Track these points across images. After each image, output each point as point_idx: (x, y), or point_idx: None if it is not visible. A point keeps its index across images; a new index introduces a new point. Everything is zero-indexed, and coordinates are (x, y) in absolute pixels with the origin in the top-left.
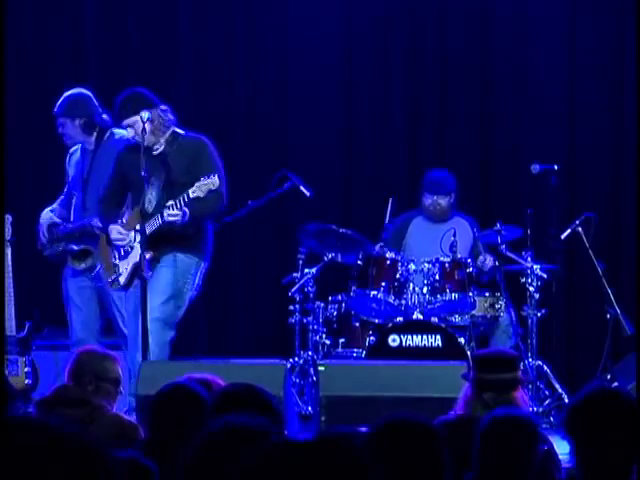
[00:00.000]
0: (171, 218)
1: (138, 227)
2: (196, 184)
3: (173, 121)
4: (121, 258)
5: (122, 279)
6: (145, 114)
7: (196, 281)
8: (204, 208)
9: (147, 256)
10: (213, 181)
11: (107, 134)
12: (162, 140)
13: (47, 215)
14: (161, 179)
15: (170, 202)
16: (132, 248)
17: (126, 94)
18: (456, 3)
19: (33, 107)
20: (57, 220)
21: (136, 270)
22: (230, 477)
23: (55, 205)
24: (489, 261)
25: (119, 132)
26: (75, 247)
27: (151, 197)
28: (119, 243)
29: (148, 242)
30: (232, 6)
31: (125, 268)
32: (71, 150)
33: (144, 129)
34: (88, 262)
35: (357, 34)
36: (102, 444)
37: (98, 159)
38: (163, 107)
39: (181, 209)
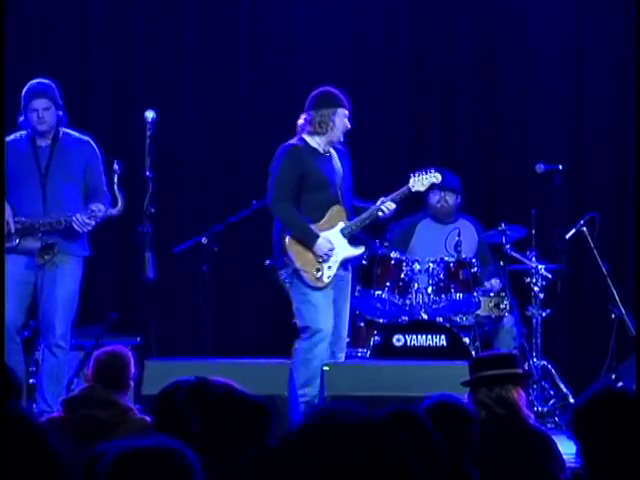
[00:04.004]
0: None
1: (342, 224)
2: (415, 179)
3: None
4: (324, 258)
5: (328, 274)
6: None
7: None
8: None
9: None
10: (436, 175)
11: (61, 132)
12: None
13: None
14: (340, 178)
15: (382, 198)
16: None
17: (321, 90)
18: (463, 2)
19: None
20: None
21: (343, 265)
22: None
23: None
24: (496, 284)
25: (70, 132)
26: (49, 241)
27: (339, 196)
28: (324, 257)
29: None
30: (238, 8)
31: (334, 262)
32: (9, 138)
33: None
34: (49, 256)
35: (363, 34)
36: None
37: (59, 156)
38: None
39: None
